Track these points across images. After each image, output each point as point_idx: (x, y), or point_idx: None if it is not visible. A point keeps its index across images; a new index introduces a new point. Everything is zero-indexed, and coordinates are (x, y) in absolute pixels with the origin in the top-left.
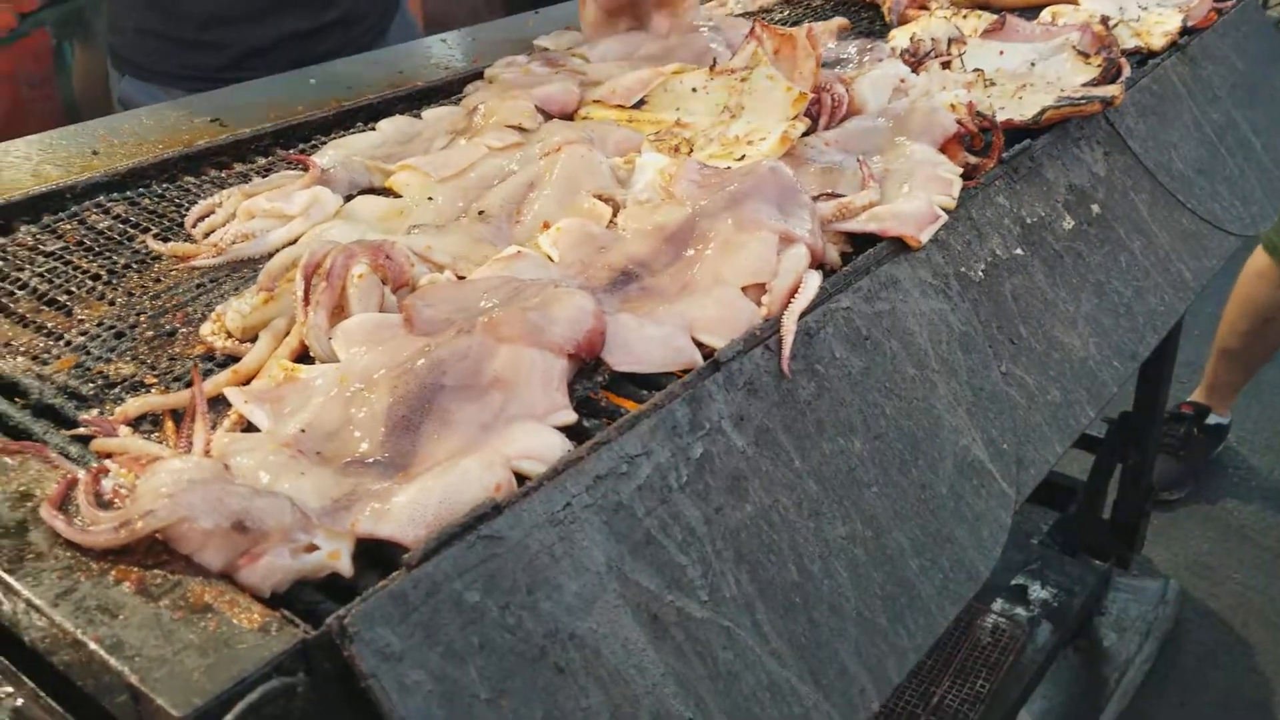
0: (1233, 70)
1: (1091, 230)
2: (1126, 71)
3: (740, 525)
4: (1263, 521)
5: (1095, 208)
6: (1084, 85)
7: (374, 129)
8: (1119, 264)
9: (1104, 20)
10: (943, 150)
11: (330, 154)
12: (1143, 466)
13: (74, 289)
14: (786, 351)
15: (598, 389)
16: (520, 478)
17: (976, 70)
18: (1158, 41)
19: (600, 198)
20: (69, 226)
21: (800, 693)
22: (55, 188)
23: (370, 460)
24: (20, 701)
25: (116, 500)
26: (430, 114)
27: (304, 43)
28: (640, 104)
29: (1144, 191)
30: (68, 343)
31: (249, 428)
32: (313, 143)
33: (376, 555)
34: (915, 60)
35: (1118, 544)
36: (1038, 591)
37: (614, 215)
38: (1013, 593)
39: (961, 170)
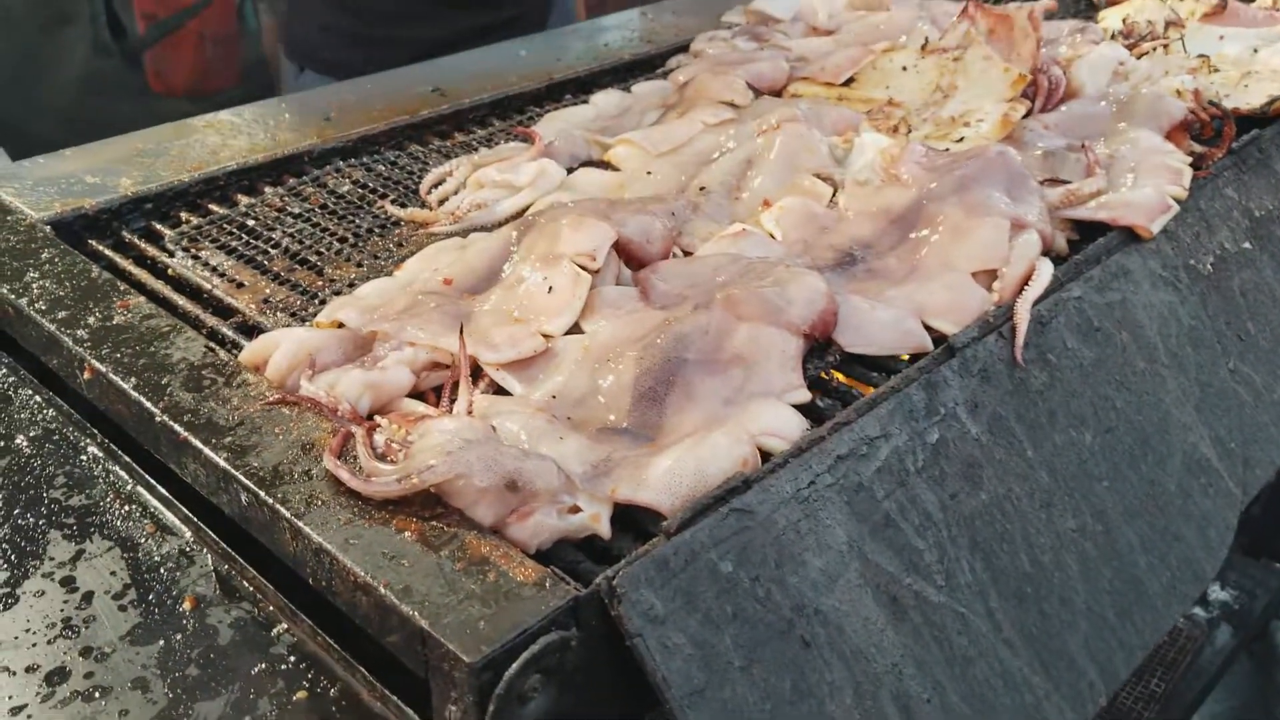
0: None
1: None
2: None
3: (975, 513)
4: None
5: None
6: None
7: (586, 102)
8: None
9: None
10: (1169, 138)
11: (551, 126)
12: None
13: (323, 250)
14: (1020, 340)
15: (828, 369)
16: (764, 454)
17: (1201, 56)
18: None
19: (820, 177)
20: (311, 190)
21: (1032, 683)
22: (295, 152)
23: (620, 429)
24: (297, 638)
25: (389, 455)
26: (640, 88)
27: (478, 40)
28: (849, 82)
29: None
30: (322, 301)
31: (498, 391)
32: (527, 114)
33: (626, 519)
34: (1130, 43)
35: None
36: (1218, 593)
37: (834, 194)
38: None
39: (1189, 159)
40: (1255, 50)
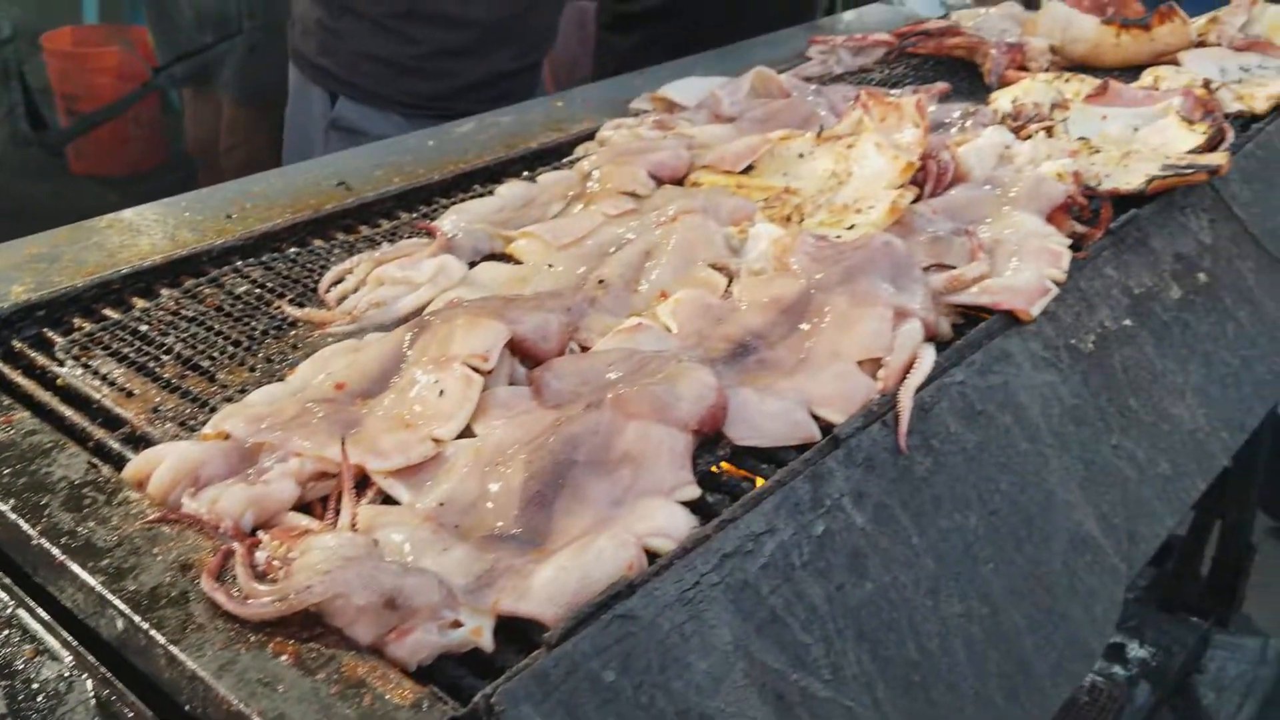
0: None
1: (1199, 300)
2: (1230, 137)
3: (861, 603)
4: None
5: (1202, 276)
6: (1189, 152)
7: (492, 193)
8: (1226, 333)
9: (1206, 84)
10: (1050, 220)
11: (453, 220)
12: (1241, 523)
13: (216, 354)
14: (904, 427)
15: (718, 463)
16: (650, 555)
17: (1081, 139)
18: (1261, 105)
19: (715, 267)
20: (208, 291)
21: None
22: (194, 251)
23: (507, 535)
24: None
25: (270, 572)
26: (546, 178)
27: (510, 80)
28: (748, 169)
29: (1250, 259)
30: (213, 409)
31: (387, 499)
32: (434, 205)
33: (511, 628)
34: (1018, 125)
35: (1216, 601)
36: (1136, 650)
37: (729, 284)
38: (1111, 651)
39: (1069, 241)
40: (1136, 129)
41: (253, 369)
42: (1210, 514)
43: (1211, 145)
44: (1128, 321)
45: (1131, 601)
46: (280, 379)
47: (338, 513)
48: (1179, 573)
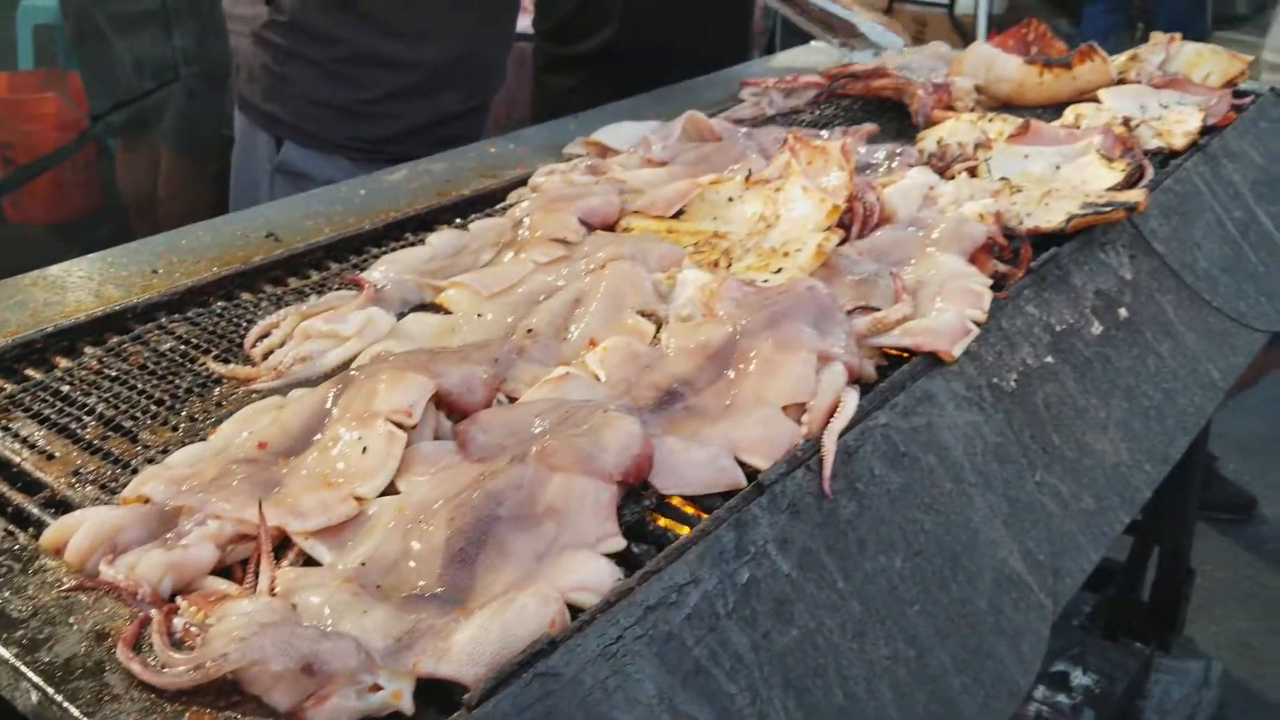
0: (1253, 166)
1: (1120, 334)
2: (1149, 174)
3: (786, 650)
4: None
5: (1123, 311)
6: (1108, 189)
7: (424, 242)
8: (1148, 367)
9: (1126, 122)
10: (972, 260)
11: (382, 271)
12: (1180, 548)
13: (139, 414)
14: (827, 472)
15: (644, 513)
16: (574, 609)
17: (1003, 179)
18: (1179, 141)
19: (644, 314)
20: (132, 348)
21: None
22: (118, 309)
23: (429, 595)
24: None
25: (188, 639)
26: (477, 226)
27: (458, 122)
28: (679, 214)
29: (1170, 293)
30: (134, 470)
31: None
32: (364, 255)
33: (433, 688)
34: (943, 165)
35: (1158, 626)
36: (1080, 678)
37: (657, 331)
38: (1054, 679)
39: (991, 280)
40: (1057, 167)
41: (176, 428)
42: (1148, 540)
43: (1130, 182)
44: (1049, 359)
45: (1074, 629)
46: (203, 438)
47: (257, 576)
48: (1120, 599)
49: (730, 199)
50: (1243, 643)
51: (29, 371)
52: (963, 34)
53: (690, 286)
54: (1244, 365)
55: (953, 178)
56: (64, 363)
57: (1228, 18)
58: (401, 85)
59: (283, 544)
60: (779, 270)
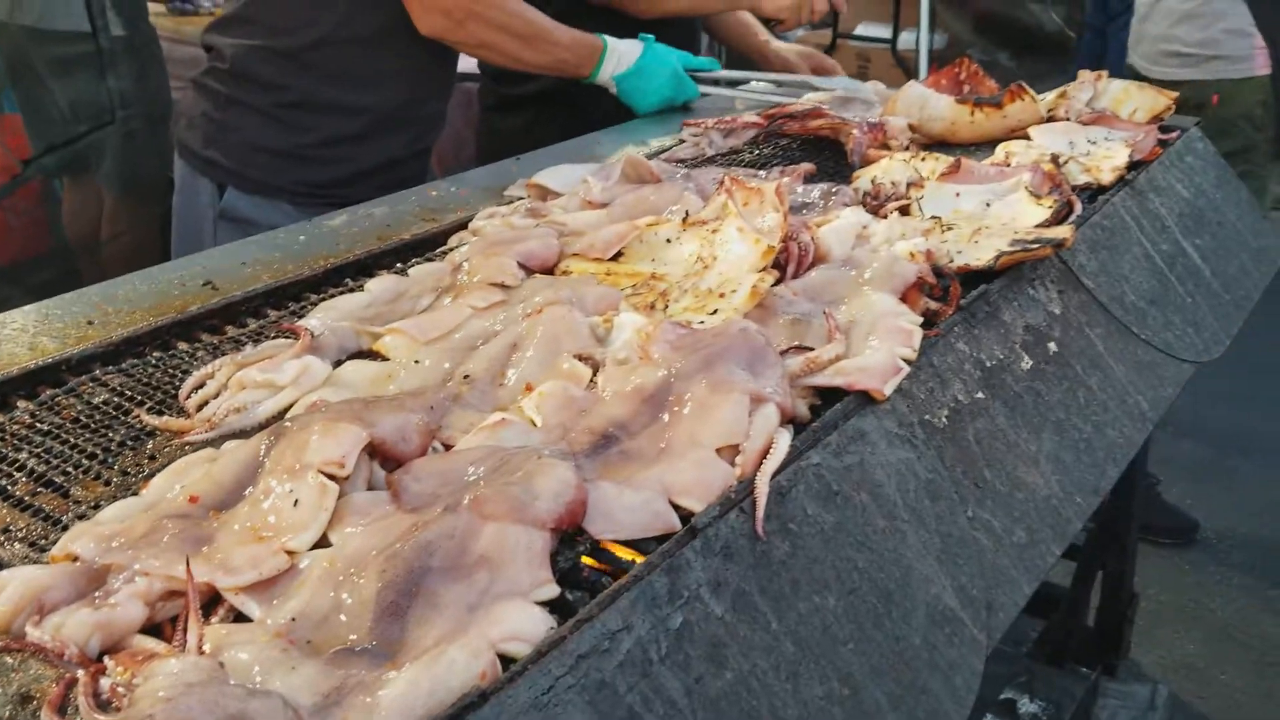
0: (1179, 200)
1: (1050, 369)
2: (1078, 209)
3: (720, 694)
4: (1246, 619)
5: (1052, 346)
6: (1036, 226)
7: (362, 288)
8: (1078, 400)
9: (1054, 159)
10: (904, 298)
11: (319, 318)
12: (1123, 571)
13: (71, 469)
14: (760, 513)
15: (578, 558)
16: (506, 659)
17: (934, 218)
18: (1107, 177)
19: (580, 358)
20: (66, 401)
21: None
22: (52, 361)
23: (359, 649)
24: None
25: (115, 700)
26: (416, 271)
27: (399, 167)
28: (618, 255)
29: (1099, 326)
30: (65, 527)
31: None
32: (303, 302)
33: None
34: (878, 204)
35: (1104, 651)
36: (1027, 705)
37: (594, 374)
38: (1002, 707)
39: (922, 318)
40: (988, 204)
41: (108, 483)
42: (1092, 564)
43: (1058, 218)
44: (980, 394)
45: (1020, 656)
46: (135, 493)
47: (186, 634)
48: (1065, 625)
49: (668, 240)
50: (1188, 665)
51: None
52: (905, 70)
53: (627, 329)
54: (1173, 396)
55: (885, 216)
56: None
57: None
58: (345, 131)
59: (214, 600)
60: (715, 311)
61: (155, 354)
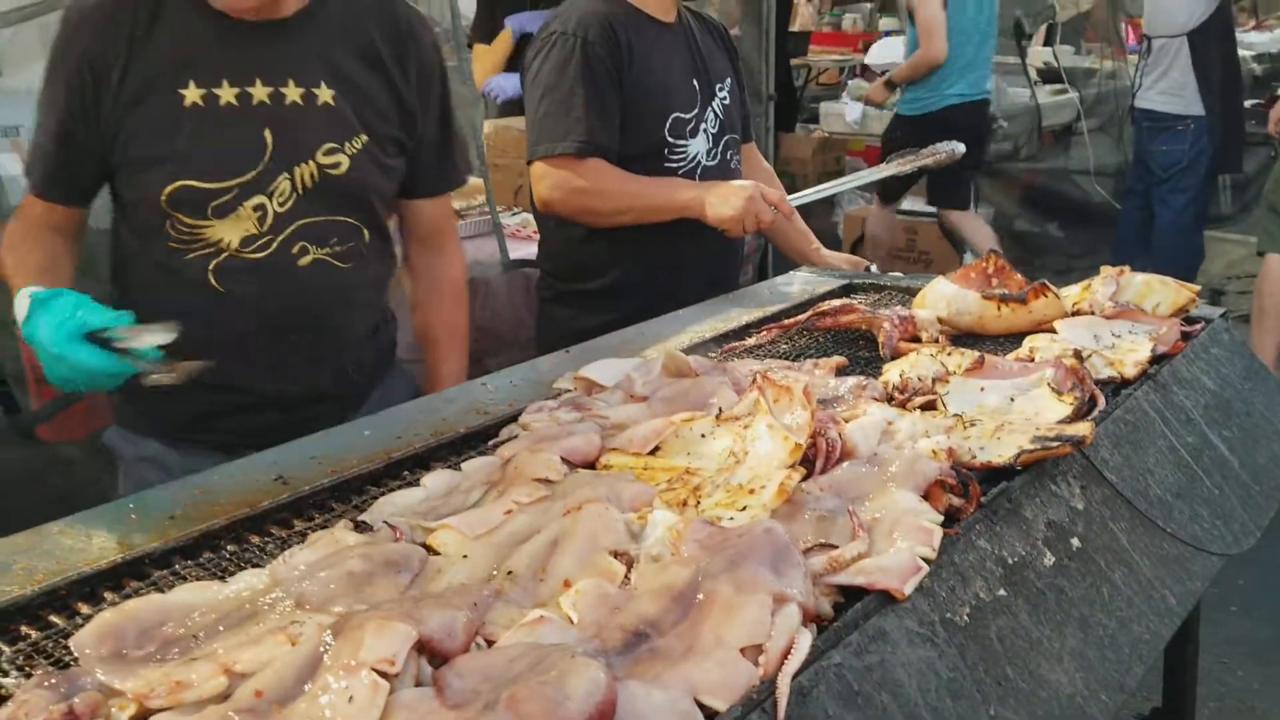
0: (1205, 391)
1: (1072, 564)
2: (1101, 404)
3: None
4: None
5: (1075, 541)
6: (1058, 422)
7: (419, 484)
8: (1102, 596)
9: (1077, 354)
10: (926, 495)
11: (377, 514)
12: None
13: None
14: (781, 714)
15: None
16: None
17: (956, 415)
18: (1130, 370)
19: (616, 554)
20: (147, 593)
21: None
22: (138, 554)
23: None
24: None
25: None
26: (469, 466)
27: (332, 395)
28: (655, 449)
29: (1123, 520)
30: None
31: None
32: (366, 495)
33: None
34: (905, 398)
35: None
36: None
37: (629, 570)
38: None
39: (943, 515)
40: (1012, 399)
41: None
42: None
43: (1079, 414)
44: (1002, 591)
45: None
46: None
47: None
48: None
49: (703, 435)
50: None
51: (53, 619)
52: (952, 241)
53: (660, 527)
54: (1201, 589)
55: (908, 417)
56: (86, 609)
57: (1212, 218)
58: (207, 409)
59: None
60: (744, 508)
61: (231, 547)
